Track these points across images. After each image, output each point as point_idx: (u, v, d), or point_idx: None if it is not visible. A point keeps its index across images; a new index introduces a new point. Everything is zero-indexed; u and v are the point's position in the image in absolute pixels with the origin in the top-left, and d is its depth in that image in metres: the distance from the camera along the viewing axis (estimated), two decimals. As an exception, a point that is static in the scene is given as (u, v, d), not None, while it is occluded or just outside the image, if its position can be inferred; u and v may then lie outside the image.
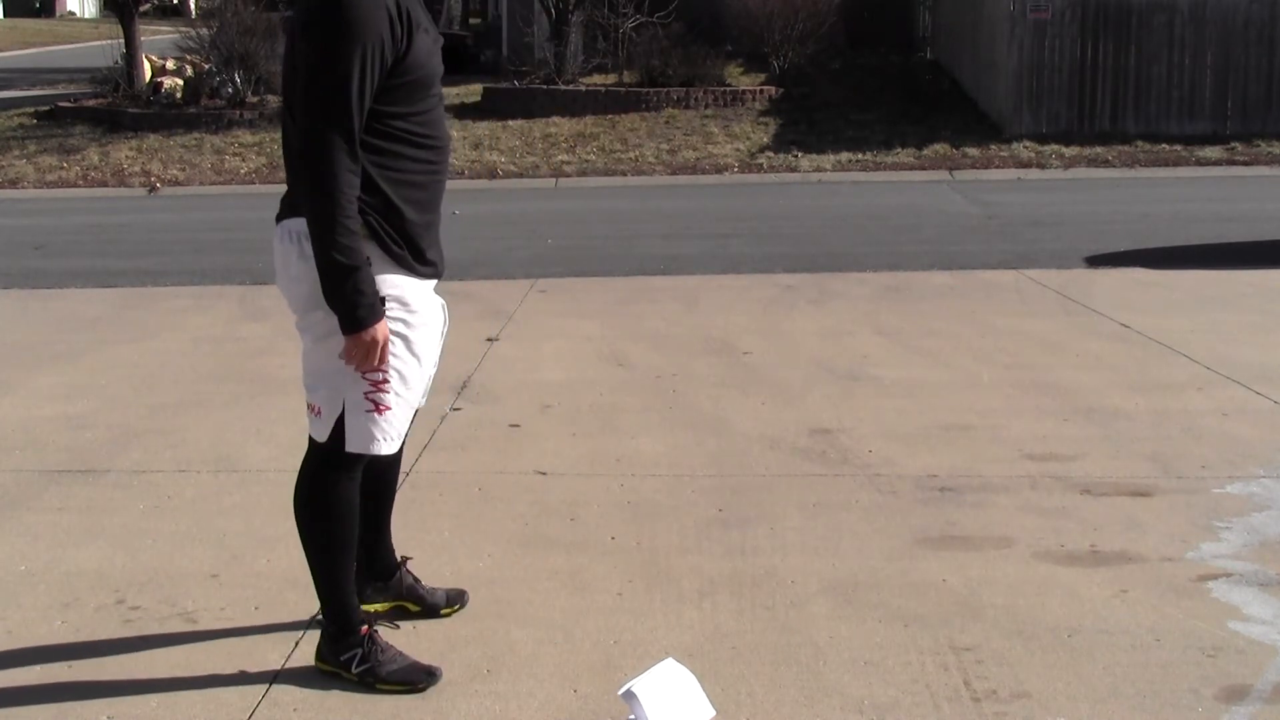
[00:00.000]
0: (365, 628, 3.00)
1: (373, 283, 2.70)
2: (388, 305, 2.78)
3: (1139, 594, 3.35)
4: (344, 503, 2.94)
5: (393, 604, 3.28)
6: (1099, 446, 4.64)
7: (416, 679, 2.95)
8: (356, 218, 2.68)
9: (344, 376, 2.80)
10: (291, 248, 2.80)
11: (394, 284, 2.81)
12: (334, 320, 2.73)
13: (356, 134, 2.66)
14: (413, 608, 3.28)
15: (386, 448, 2.89)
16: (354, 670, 2.96)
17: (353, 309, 2.67)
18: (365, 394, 2.81)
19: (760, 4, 19.44)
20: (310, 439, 2.94)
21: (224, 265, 9.48)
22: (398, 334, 2.82)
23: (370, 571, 3.25)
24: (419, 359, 2.90)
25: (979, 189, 13.47)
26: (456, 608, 3.32)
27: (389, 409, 2.85)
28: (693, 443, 4.78)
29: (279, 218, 2.87)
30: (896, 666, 2.97)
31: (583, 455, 4.66)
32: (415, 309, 2.86)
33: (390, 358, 2.80)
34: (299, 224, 2.76)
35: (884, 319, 6.99)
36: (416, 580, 3.32)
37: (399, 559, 3.32)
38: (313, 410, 2.89)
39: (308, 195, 2.66)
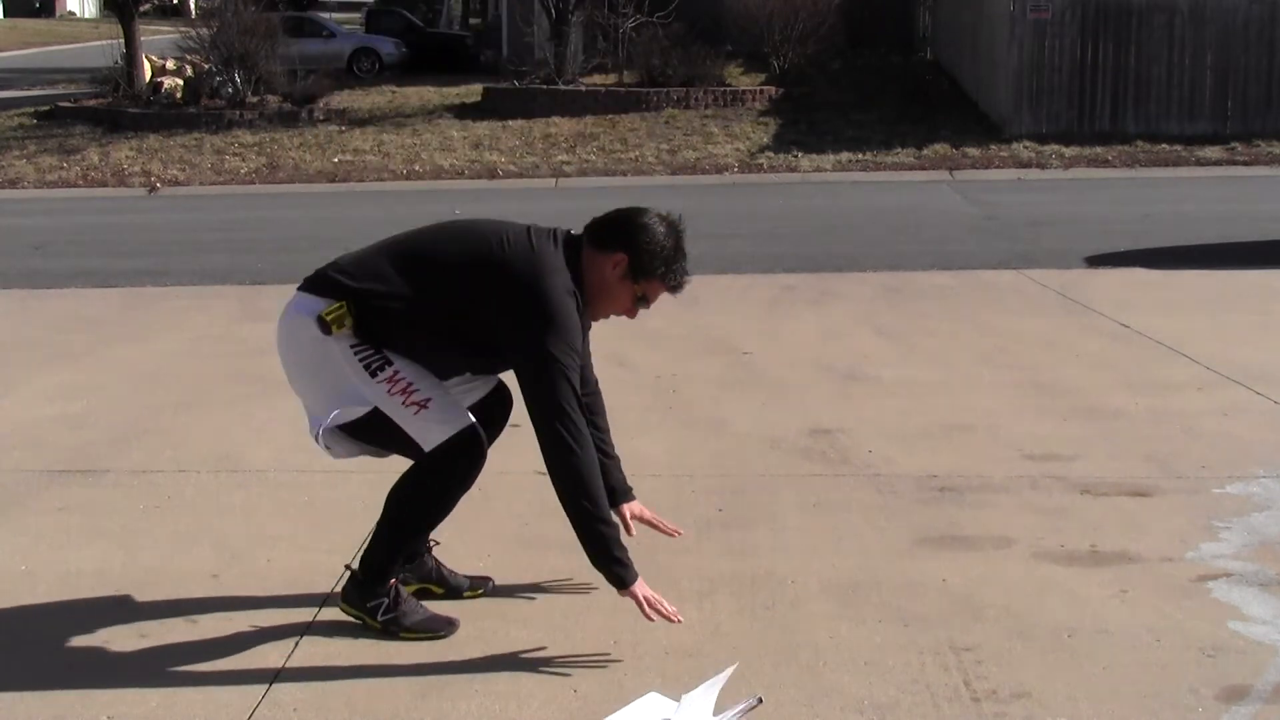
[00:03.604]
0: (393, 580, 3.17)
1: (624, 548, 2.99)
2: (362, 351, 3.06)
3: (1139, 594, 3.35)
4: (454, 492, 3.13)
5: (419, 585, 3.38)
6: (1099, 446, 4.64)
7: (438, 627, 3.17)
8: (606, 501, 3.00)
9: (378, 398, 3.02)
10: (305, 320, 3.06)
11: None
12: (344, 380, 3.03)
13: (580, 404, 2.97)
14: (437, 590, 3.38)
15: (457, 423, 3.03)
16: (379, 618, 3.13)
17: (620, 580, 2.98)
18: (403, 403, 3.02)
19: (760, 4, 19.45)
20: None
21: (224, 265, 9.48)
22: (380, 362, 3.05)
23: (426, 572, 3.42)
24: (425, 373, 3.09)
25: (979, 189, 13.47)
26: (480, 591, 3.41)
27: (431, 399, 3.02)
28: (693, 443, 4.78)
29: (303, 287, 3.14)
30: (896, 666, 2.97)
31: (583, 455, 4.65)
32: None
33: (402, 382, 3.02)
34: (318, 305, 3.04)
35: (884, 319, 6.99)
36: (440, 563, 3.41)
37: (429, 543, 3.39)
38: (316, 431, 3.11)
39: (561, 486, 2.98)
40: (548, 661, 3.02)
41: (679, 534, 3.43)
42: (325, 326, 3.01)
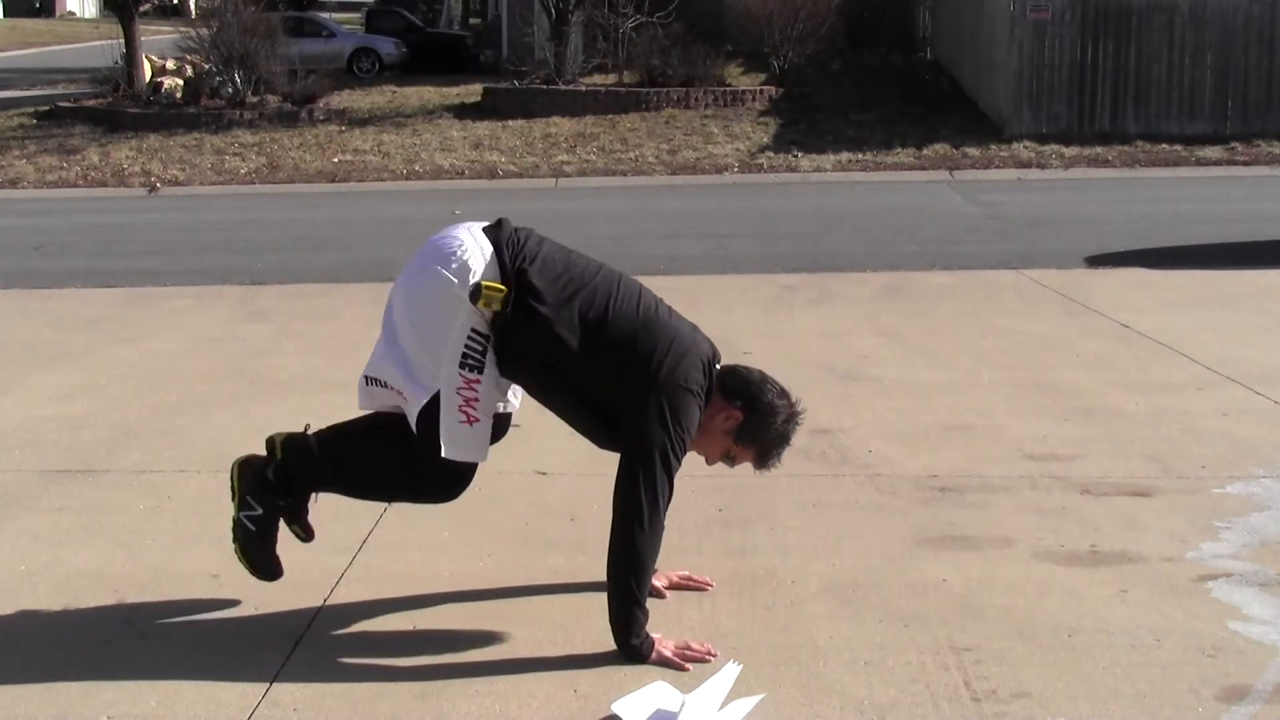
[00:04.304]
0: (281, 507, 3.24)
1: (645, 633, 3.00)
2: (478, 337, 3.02)
3: (1139, 594, 3.35)
4: (412, 496, 3.26)
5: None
6: (1099, 446, 4.64)
7: (264, 571, 3.23)
8: (648, 590, 3.04)
9: (446, 384, 3.00)
10: (463, 272, 2.99)
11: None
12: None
13: (670, 499, 3.03)
14: (302, 537, 3.36)
15: (479, 456, 3.09)
16: (240, 513, 3.18)
17: (635, 656, 3.00)
18: (459, 406, 3.01)
19: (760, 4, 19.45)
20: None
21: (224, 265, 9.48)
22: (479, 360, 3.03)
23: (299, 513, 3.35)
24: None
25: (979, 189, 13.47)
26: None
27: (481, 421, 3.05)
28: (693, 443, 4.77)
29: (489, 231, 3.09)
30: (896, 666, 2.97)
31: (583, 455, 4.63)
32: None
33: (474, 393, 3.02)
34: (488, 268, 3.00)
35: (884, 319, 6.99)
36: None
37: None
38: (403, 396, 3.08)
39: (617, 559, 2.98)
40: (548, 661, 3.02)
41: (711, 586, 3.43)
42: (476, 294, 2.96)
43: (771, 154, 15.80)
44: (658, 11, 19.02)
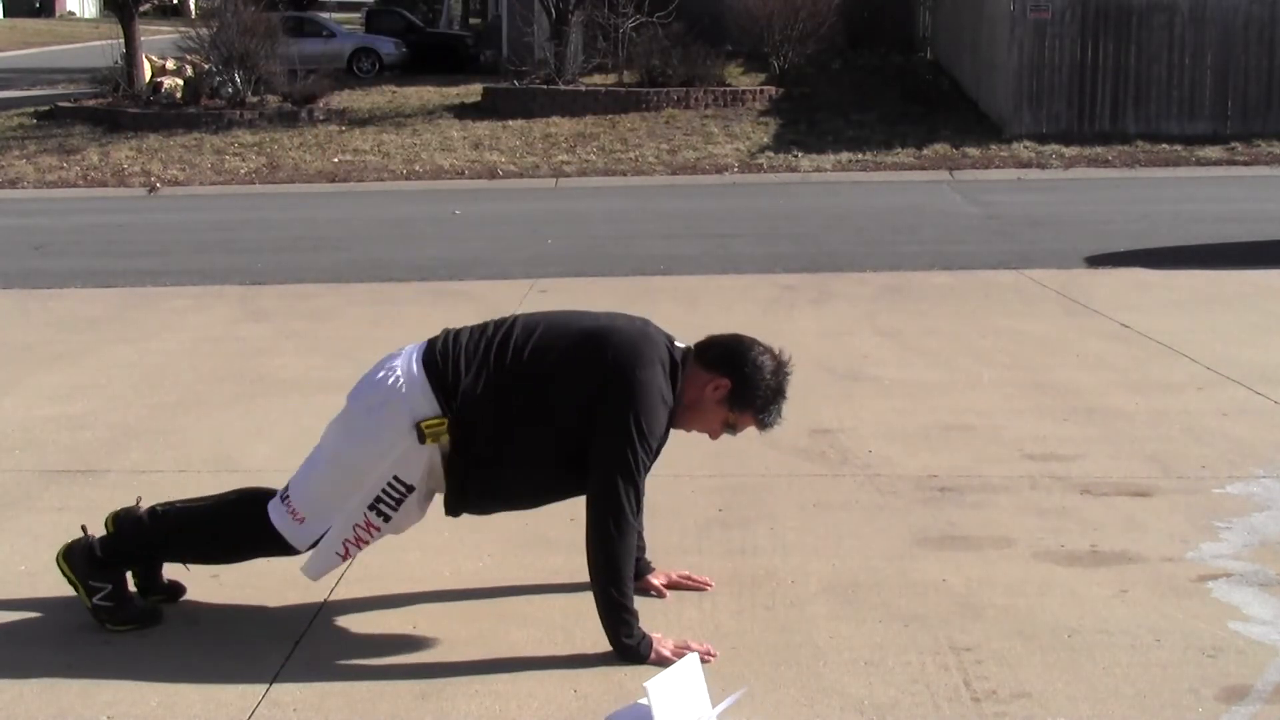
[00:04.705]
0: (125, 571, 3.24)
1: (635, 630, 2.98)
2: (399, 486, 3.02)
3: (1139, 594, 3.35)
4: (237, 558, 3.32)
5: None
6: (1099, 446, 4.64)
7: (145, 620, 3.21)
8: (631, 588, 3.00)
9: (348, 517, 3.04)
10: (402, 411, 2.99)
11: (418, 467, 3.01)
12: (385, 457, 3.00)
13: (640, 502, 3.00)
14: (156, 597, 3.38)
15: (312, 566, 3.14)
16: (94, 600, 3.15)
17: (634, 655, 2.97)
18: (347, 539, 3.07)
19: (760, 4, 19.46)
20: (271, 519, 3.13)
21: (224, 265, 9.48)
22: (392, 509, 3.05)
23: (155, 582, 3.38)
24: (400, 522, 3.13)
25: (979, 189, 13.47)
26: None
27: (355, 554, 3.13)
28: (692, 442, 4.76)
29: (426, 362, 3.03)
30: (896, 666, 2.97)
31: (583, 455, 4.65)
32: (419, 490, 3.06)
33: (372, 532, 3.08)
34: (425, 404, 2.97)
35: (884, 319, 6.99)
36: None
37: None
38: (295, 516, 3.09)
39: (595, 568, 2.96)
40: (548, 661, 3.02)
41: (710, 586, 3.41)
42: (421, 437, 2.98)
43: (771, 154, 15.81)
44: (658, 11, 19.02)
